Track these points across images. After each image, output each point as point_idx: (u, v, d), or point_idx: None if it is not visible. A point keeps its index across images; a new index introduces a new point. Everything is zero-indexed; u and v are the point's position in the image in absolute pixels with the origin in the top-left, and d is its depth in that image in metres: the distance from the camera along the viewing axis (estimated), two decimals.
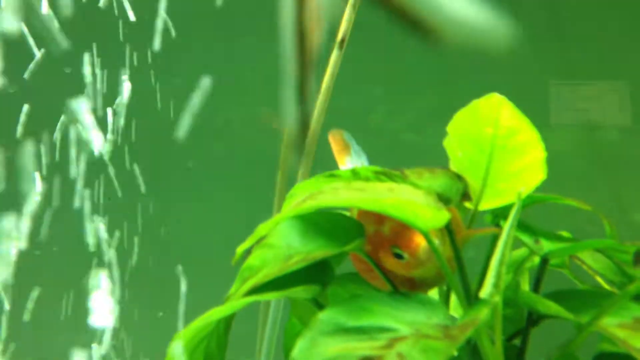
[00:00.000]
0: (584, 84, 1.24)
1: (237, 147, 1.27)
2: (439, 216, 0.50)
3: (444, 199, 0.55)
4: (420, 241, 0.53)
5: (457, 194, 0.56)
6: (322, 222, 0.60)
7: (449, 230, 0.55)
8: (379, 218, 0.56)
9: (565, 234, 0.68)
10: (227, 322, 0.61)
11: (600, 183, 1.23)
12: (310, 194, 0.52)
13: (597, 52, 1.23)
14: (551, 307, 0.51)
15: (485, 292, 0.49)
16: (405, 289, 0.55)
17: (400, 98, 1.32)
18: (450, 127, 0.59)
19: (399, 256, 0.53)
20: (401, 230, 0.54)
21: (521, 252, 0.70)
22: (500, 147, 0.56)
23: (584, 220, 1.07)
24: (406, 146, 1.31)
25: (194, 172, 1.26)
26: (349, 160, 0.67)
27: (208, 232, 1.25)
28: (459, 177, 0.57)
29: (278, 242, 0.59)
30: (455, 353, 0.52)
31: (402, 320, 0.46)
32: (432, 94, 1.29)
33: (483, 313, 0.44)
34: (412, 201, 0.48)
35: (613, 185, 1.22)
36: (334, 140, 0.67)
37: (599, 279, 0.70)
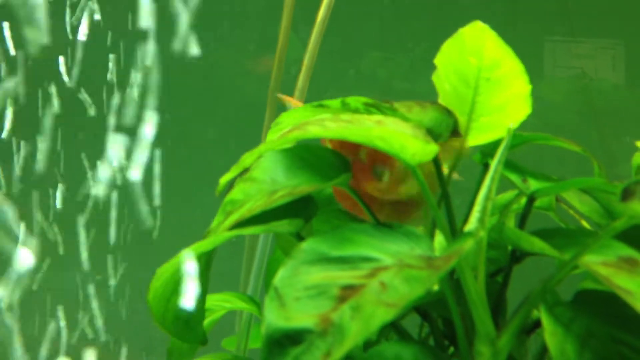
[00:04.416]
0: (579, 41, 1.22)
1: (225, 88, 1.25)
2: (427, 149, 0.49)
3: (434, 135, 0.54)
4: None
5: (447, 130, 0.55)
6: (307, 156, 0.59)
7: (437, 165, 0.54)
8: (354, 147, 0.55)
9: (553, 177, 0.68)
10: (208, 257, 0.61)
11: (591, 138, 1.22)
12: (297, 124, 0.51)
13: (594, 10, 1.21)
14: (535, 243, 0.50)
15: (470, 226, 0.49)
16: (392, 219, 0.54)
17: (394, 45, 1.30)
18: (438, 60, 0.58)
19: (380, 175, 0.53)
20: (376, 151, 0.53)
21: (507, 194, 0.69)
22: (485, 80, 0.55)
23: (571, 169, 1.07)
24: (398, 94, 1.30)
25: (181, 115, 1.24)
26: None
27: (196, 172, 1.23)
28: (449, 112, 0.56)
29: (262, 177, 0.58)
30: (437, 284, 0.52)
31: (386, 250, 0.45)
32: (426, 43, 1.27)
33: (467, 244, 0.44)
34: (399, 132, 0.47)
35: (603, 140, 1.21)
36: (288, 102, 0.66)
37: (585, 223, 0.70)
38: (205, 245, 0.57)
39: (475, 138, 0.57)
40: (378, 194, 0.54)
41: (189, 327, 0.63)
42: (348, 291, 0.40)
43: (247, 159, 0.52)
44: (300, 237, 0.59)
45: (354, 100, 0.53)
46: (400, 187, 0.52)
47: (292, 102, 0.66)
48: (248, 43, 1.26)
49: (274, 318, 0.39)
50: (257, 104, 0.94)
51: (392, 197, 0.53)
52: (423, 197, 0.54)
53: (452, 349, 0.61)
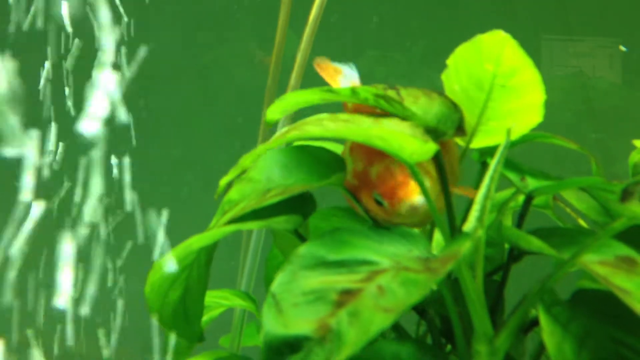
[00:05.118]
0: (577, 40, 1.22)
1: (224, 83, 1.24)
2: (425, 148, 0.48)
3: (438, 133, 0.54)
4: (402, 196, 0.52)
5: (453, 126, 0.55)
6: (303, 156, 0.58)
7: (439, 163, 0.54)
8: (369, 158, 0.54)
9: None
10: (208, 254, 0.61)
11: (588, 136, 1.23)
12: (295, 124, 0.51)
13: (591, 9, 1.21)
14: (533, 242, 0.50)
15: (468, 225, 0.49)
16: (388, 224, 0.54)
17: (390, 44, 1.29)
18: (451, 61, 0.57)
19: (379, 203, 0.52)
20: (387, 178, 0.53)
21: (505, 193, 0.69)
22: (500, 86, 0.55)
23: (569, 167, 1.07)
24: None
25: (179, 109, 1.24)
26: (342, 82, 0.65)
27: (194, 169, 1.23)
28: (455, 107, 0.55)
29: (257, 176, 0.58)
30: (435, 287, 0.52)
31: (383, 253, 0.45)
32: (423, 43, 1.27)
33: (465, 246, 0.43)
34: (398, 132, 0.47)
35: (600, 138, 1.22)
36: (321, 69, 0.65)
37: (581, 221, 0.70)
38: (202, 239, 0.57)
39: (482, 140, 0.57)
40: (372, 212, 0.53)
41: (187, 322, 0.62)
42: (346, 296, 0.40)
43: (245, 160, 0.51)
44: (298, 234, 0.59)
45: (364, 90, 0.52)
46: (394, 220, 0.52)
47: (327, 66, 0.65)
48: (247, 40, 1.25)
49: (272, 325, 0.39)
50: (255, 101, 0.93)
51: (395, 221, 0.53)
52: (418, 224, 0.54)
53: (449, 346, 0.61)
